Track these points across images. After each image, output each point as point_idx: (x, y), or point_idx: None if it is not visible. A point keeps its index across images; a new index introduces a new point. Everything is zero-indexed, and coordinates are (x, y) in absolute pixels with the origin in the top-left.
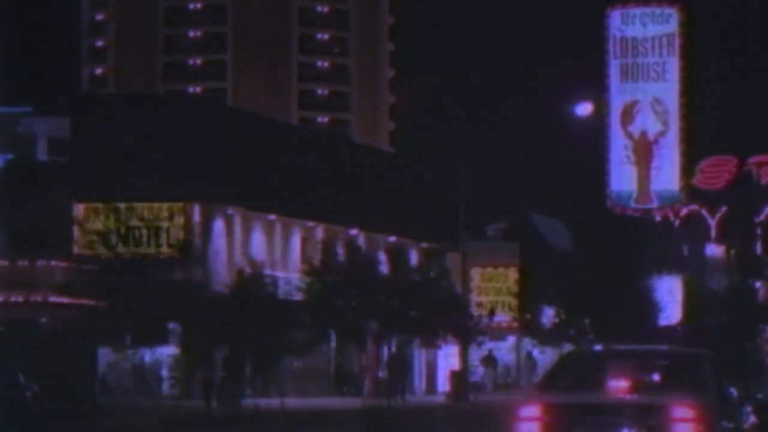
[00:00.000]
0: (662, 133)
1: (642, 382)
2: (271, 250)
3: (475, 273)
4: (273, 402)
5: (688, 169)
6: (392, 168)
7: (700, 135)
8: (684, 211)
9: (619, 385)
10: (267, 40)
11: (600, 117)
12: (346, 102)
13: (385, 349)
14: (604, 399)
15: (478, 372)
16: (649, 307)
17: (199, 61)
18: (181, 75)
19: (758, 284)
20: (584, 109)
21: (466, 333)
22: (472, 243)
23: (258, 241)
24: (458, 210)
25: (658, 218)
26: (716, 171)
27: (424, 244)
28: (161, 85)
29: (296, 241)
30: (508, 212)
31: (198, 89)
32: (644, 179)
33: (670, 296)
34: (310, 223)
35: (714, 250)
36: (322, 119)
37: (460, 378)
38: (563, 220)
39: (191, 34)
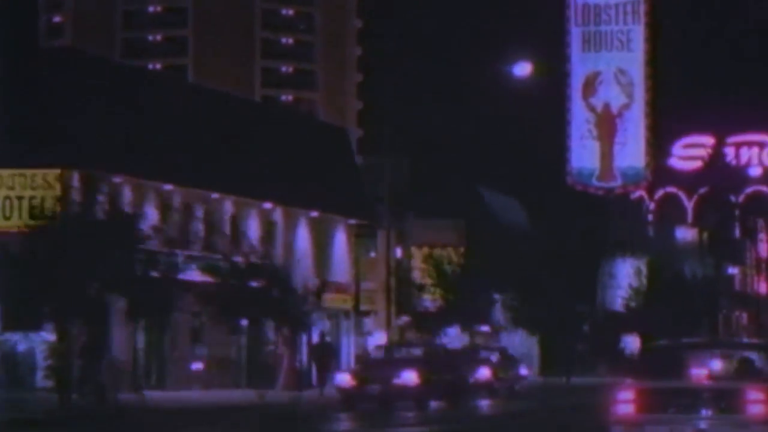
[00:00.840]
0: (626, 106)
1: (718, 369)
2: (168, 225)
3: (417, 253)
4: (168, 395)
5: (654, 144)
6: (318, 136)
7: (668, 108)
8: (660, 193)
9: (698, 372)
10: (230, 15)
11: (561, 88)
12: (311, 80)
13: (313, 337)
14: (685, 384)
15: None
16: (611, 290)
17: (159, 37)
18: (142, 50)
19: (734, 270)
20: (522, 69)
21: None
22: (414, 221)
23: (152, 214)
24: (384, 183)
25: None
26: (693, 151)
27: (353, 221)
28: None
29: (198, 215)
30: (458, 188)
31: (158, 65)
32: (607, 155)
33: (632, 279)
34: (215, 195)
35: (686, 234)
36: (287, 97)
37: None
38: (519, 198)
39: (151, 9)
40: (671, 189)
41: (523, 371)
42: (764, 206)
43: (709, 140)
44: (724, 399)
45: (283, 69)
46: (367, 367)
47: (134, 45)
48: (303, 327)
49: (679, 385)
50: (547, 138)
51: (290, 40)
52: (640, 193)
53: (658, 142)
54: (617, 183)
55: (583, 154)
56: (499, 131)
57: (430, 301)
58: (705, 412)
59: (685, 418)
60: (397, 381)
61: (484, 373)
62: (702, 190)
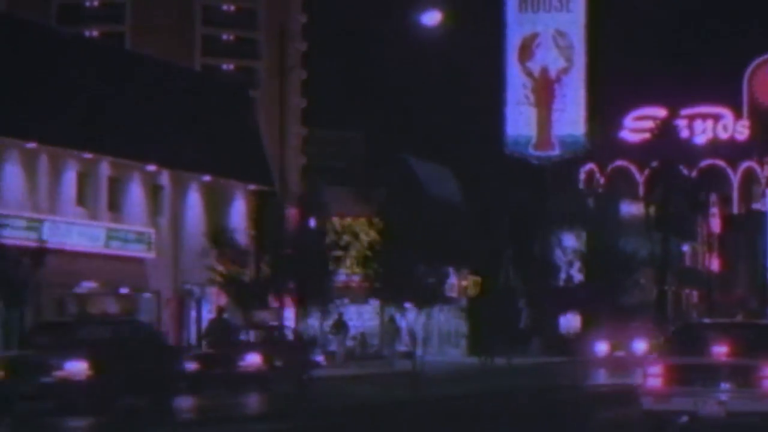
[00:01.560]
0: (565, 71)
1: (737, 348)
2: (33, 188)
3: (334, 223)
4: None
5: (593, 111)
6: (215, 96)
7: (610, 74)
8: (611, 166)
9: (719, 350)
10: None
11: (495, 51)
12: (253, 48)
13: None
14: (707, 361)
15: (331, 340)
16: (548, 265)
17: (96, 3)
18: (77, 17)
19: (686, 247)
20: (431, 18)
21: (312, 294)
22: (330, 188)
23: (14, 175)
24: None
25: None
26: (644, 123)
27: (252, 187)
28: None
29: (70, 178)
30: (386, 155)
31: (95, 33)
32: (544, 122)
33: (572, 254)
34: (88, 155)
35: (630, 208)
36: (228, 66)
37: None
38: (452, 167)
39: None
40: (622, 162)
41: (319, 358)
42: (718, 180)
43: (661, 112)
44: (742, 374)
45: (225, 37)
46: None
47: (70, 11)
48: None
49: (701, 362)
50: (483, 104)
51: (232, 7)
52: (591, 166)
53: (600, 109)
54: (555, 152)
55: (520, 121)
56: (432, 98)
57: (345, 275)
58: (725, 386)
59: (708, 391)
60: None
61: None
62: (653, 164)
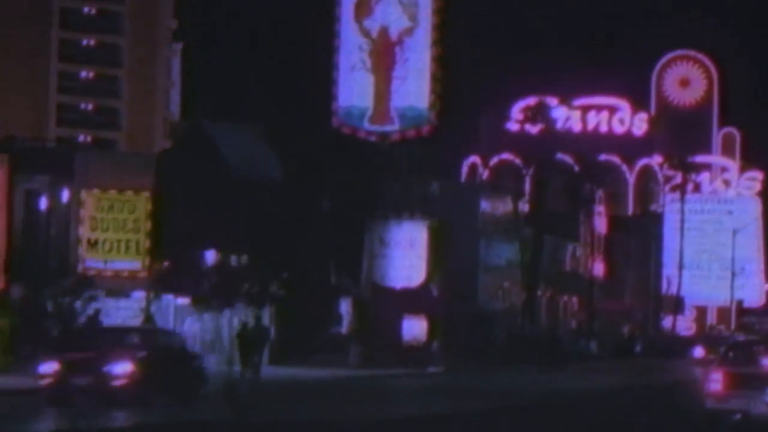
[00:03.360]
0: (409, 31)
1: None
2: None
3: (89, 198)
4: None
5: (441, 79)
6: None
7: (460, 35)
8: (494, 160)
9: (766, 362)
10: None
11: (328, 7)
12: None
13: None
14: (756, 370)
15: None
16: (379, 260)
17: None
18: None
19: (569, 247)
20: None
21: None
22: (93, 156)
23: None
24: None
25: (475, 161)
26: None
27: None
28: None
29: None
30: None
31: None
32: (383, 92)
33: (411, 248)
34: None
35: (504, 203)
36: (87, 74)
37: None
38: (274, 142)
39: None
40: (507, 155)
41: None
42: (609, 177)
43: (551, 103)
44: None
45: (84, 42)
46: None
47: None
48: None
49: (752, 371)
50: (315, 69)
51: (93, 10)
52: (474, 159)
53: (448, 75)
54: (394, 127)
55: (354, 89)
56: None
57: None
58: None
59: (757, 394)
60: None
61: None
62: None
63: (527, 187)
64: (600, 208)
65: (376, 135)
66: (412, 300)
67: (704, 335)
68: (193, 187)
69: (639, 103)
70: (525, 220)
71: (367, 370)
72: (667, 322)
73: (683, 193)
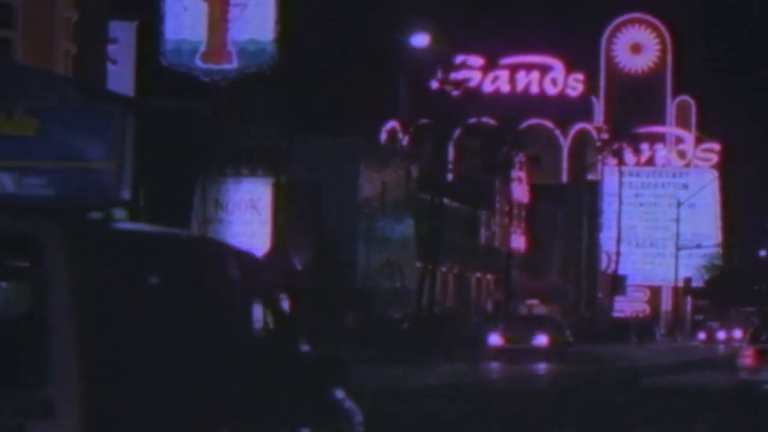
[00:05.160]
0: None
1: None
2: None
3: None
4: None
5: (288, 6)
6: None
7: None
8: (417, 125)
9: None
10: None
11: None
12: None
13: None
14: None
15: None
16: (215, 226)
17: None
18: None
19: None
20: None
21: None
22: None
23: None
24: None
25: (395, 126)
26: (457, 74)
27: None
28: None
29: None
30: None
31: None
32: (218, 22)
33: (253, 211)
34: None
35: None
36: None
37: None
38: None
39: None
40: (428, 120)
41: None
42: (526, 137)
43: (477, 62)
44: None
45: None
46: None
47: None
48: None
49: None
50: None
51: None
52: (393, 124)
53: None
54: (232, 65)
55: (184, 20)
56: None
57: None
58: None
59: None
60: None
61: None
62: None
63: (451, 153)
64: (520, 174)
65: (210, 75)
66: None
67: (507, 315)
68: None
69: (574, 64)
70: (421, 185)
71: None
72: (620, 304)
73: (620, 160)
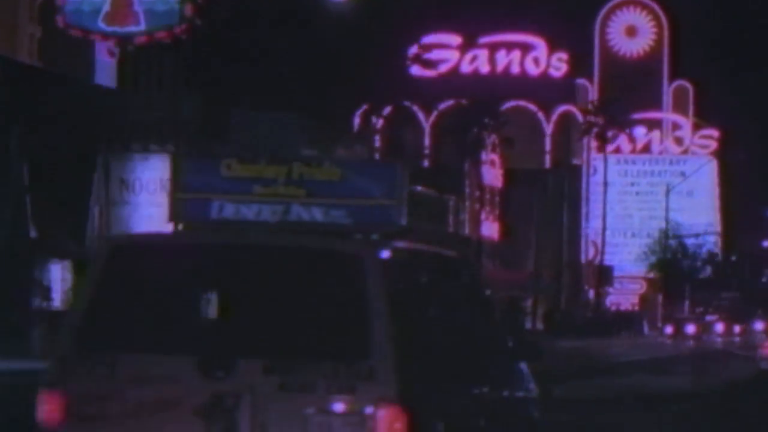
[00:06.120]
0: None
1: None
2: None
3: None
4: None
5: None
6: None
7: None
8: (388, 109)
9: None
10: None
11: None
12: None
13: None
14: None
15: None
16: (121, 208)
17: None
18: None
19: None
20: None
21: None
22: None
23: None
24: None
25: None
26: (434, 54)
27: None
28: None
29: None
30: None
31: None
32: None
33: (163, 191)
34: None
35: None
36: None
37: None
38: None
39: None
40: (403, 103)
41: None
42: (499, 117)
43: (455, 40)
44: None
45: None
46: None
47: None
48: None
49: None
50: None
51: None
52: (364, 107)
53: None
54: (139, 27)
55: None
56: None
57: None
58: None
59: None
60: None
61: None
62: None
63: (426, 138)
64: (493, 156)
65: (114, 38)
66: None
67: None
68: None
69: (556, 43)
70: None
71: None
72: (614, 296)
73: (604, 140)
